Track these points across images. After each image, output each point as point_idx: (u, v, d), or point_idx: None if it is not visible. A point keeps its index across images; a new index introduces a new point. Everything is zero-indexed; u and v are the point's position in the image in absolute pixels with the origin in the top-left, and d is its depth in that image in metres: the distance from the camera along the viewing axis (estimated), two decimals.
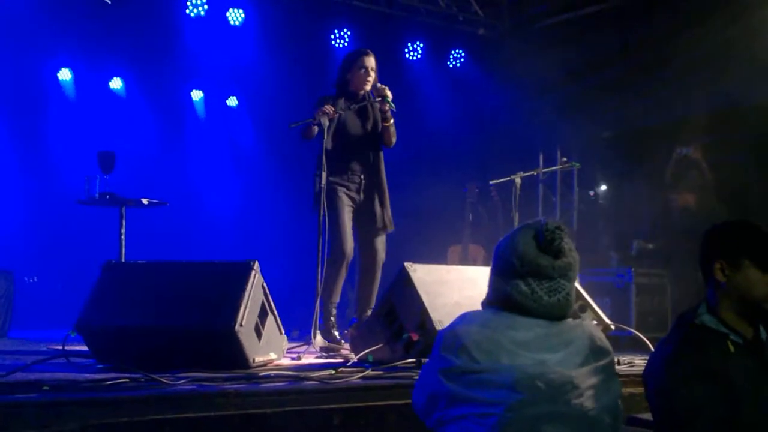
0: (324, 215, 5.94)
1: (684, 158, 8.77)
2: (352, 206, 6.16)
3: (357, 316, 6.24)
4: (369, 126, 6.23)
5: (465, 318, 2.53)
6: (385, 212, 6.22)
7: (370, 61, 6.21)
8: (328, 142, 6.02)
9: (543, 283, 2.46)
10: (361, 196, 6.21)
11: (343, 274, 6.11)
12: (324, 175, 5.96)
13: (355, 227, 6.26)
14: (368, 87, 6.16)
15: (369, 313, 5.95)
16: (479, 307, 2.62)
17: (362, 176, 6.21)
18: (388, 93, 6.08)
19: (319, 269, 5.93)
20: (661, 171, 8.93)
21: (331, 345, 5.78)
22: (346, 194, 6.14)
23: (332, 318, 6.09)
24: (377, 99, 6.15)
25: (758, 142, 7.32)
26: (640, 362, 4.99)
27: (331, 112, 5.92)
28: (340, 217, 6.05)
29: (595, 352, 2.47)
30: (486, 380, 2.37)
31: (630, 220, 9.43)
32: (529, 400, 2.33)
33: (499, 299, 2.52)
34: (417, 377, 2.66)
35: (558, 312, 2.48)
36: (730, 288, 2.88)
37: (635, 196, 9.44)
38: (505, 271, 2.50)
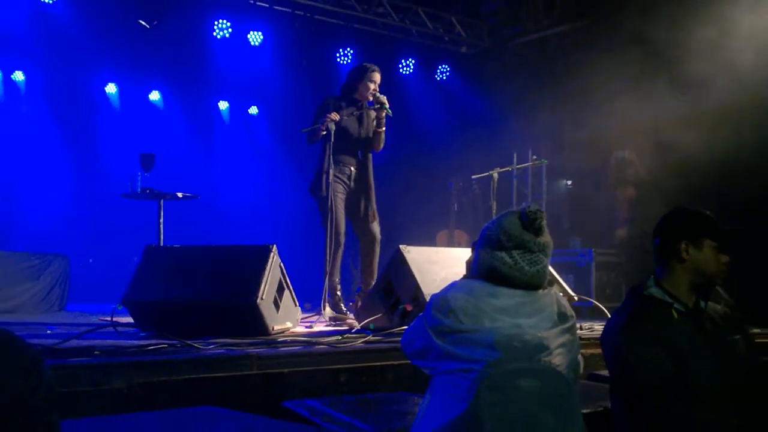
0: (331, 208, 5.96)
1: (622, 159, 8.80)
2: (344, 194, 6.13)
3: (362, 287, 6.23)
4: (364, 130, 6.21)
5: (454, 286, 2.55)
6: (369, 206, 6.17)
7: (378, 77, 6.17)
8: (330, 141, 5.97)
9: (525, 256, 2.48)
10: (352, 185, 6.18)
11: (340, 253, 6.07)
12: (332, 172, 5.96)
13: (348, 216, 6.24)
14: (370, 98, 6.16)
15: (372, 284, 5.95)
16: None
17: (353, 169, 6.19)
18: (386, 101, 6.08)
19: (329, 252, 5.94)
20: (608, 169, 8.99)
21: (338, 315, 5.79)
22: (339, 183, 6.11)
23: (338, 293, 6.06)
24: (376, 106, 6.14)
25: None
26: (598, 327, 5.01)
27: (337, 118, 5.92)
28: (336, 204, 6.01)
29: (562, 317, 2.48)
30: (469, 339, 2.38)
31: (589, 209, 9.45)
32: (506, 358, 2.35)
33: (483, 271, 2.53)
34: (408, 328, 2.69)
35: (536, 281, 2.49)
36: (690, 264, 2.88)
37: (593, 188, 9.47)
38: (492, 245, 2.51)
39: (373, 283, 5.86)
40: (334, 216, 5.95)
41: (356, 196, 6.21)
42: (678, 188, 7.47)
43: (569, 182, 10.29)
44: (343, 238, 6.09)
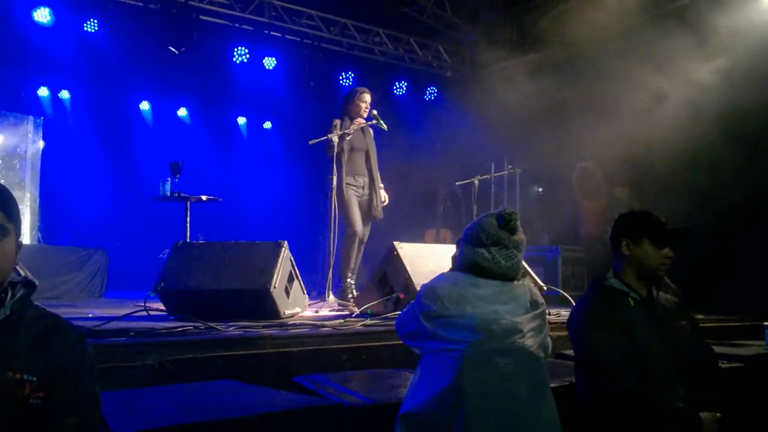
0: (335, 207, 5.96)
1: (584, 170, 8.81)
2: (358, 198, 6.13)
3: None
4: (367, 142, 6.21)
5: (441, 277, 2.56)
6: (377, 205, 6.18)
7: (367, 97, 6.17)
8: (345, 154, 6.00)
9: (502, 252, 2.48)
10: (364, 191, 6.17)
11: (356, 246, 5.98)
12: (334, 178, 5.96)
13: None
14: (365, 114, 6.14)
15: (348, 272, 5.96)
16: None
17: (364, 178, 6.19)
18: (379, 118, 6.10)
19: (331, 247, 5.93)
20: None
21: (341, 302, 5.78)
22: (354, 190, 6.10)
23: (348, 280, 5.98)
24: (372, 122, 6.15)
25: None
26: (565, 313, 5.00)
27: (338, 134, 5.92)
28: (353, 206, 6.00)
29: (533, 304, 2.49)
30: (454, 323, 2.39)
31: (556, 212, 9.47)
32: (485, 339, 2.35)
33: (466, 265, 2.54)
34: (401, 313, 2.69)
35: (511, 274, 2.50)
36: (633, 259, 2.90)
37: (560, 194, 9.48)
38: (473, 242, 2.52)
39: (350, 268, 5.90)
40: (349, 213, 5.95)
41: (367, 200, 6.17)
42: (632, 193, 7.54)
43: (540, 189, 10.30)
44: (360, 233, 6.01)
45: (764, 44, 6.64)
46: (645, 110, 7.35)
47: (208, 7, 8.97)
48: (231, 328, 3.85)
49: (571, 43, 8.76)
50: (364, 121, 6.11)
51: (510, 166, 8.82)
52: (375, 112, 6.14)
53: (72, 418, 1.83)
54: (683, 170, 6.88)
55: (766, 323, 4.37)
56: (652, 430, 2.66)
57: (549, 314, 4.72)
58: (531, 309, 2.47)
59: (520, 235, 2.54)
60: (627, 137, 7.38)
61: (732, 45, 6.80)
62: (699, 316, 4.75)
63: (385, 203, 6.34)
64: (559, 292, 5.93)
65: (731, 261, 6.60)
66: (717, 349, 3.37)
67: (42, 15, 8.04)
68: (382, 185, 6.32)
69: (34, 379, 1.79)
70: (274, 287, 4.51)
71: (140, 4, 8.52)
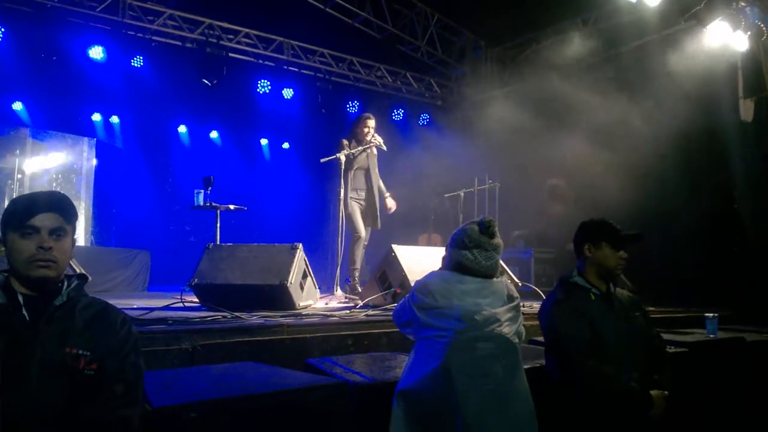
0: (342, 215, 5.96)
1: (553, 185, 8.81)
2: (361, 209, 6.12)
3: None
4: (368, 162, 6.21)
5: (432, 275, 2.56)
6: (374, 218, 6.17)
7: (371, 122, 6.17)
8: (350, 171, 6.02)
9: (482, 253, 2.48)
10: (364, 204, 6.18)
11: (361, 247, 6.00)
12: (342, 191, 5.96)
13: None
14: (369, 137, 6.15)
15: (353, 269, 5.97)
16: None
17: (364, 193, 6.18)
18: (380, 140, 6.10)
19: (339, 248, 5.92)
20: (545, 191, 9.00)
21: (348, 296, 5.77)
22: (357, 203, 6.11)
23: (356, 277, 5.98)
24: (374, 144, 6.15)
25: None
26: (537, 305, 4.96)
27: (346, 153, 5.93)
28: (357, 215, 6.02)
29: (510, 298, 2.49)
30: (443, 314, 2.39)
31: (530, 220, 9.47)
32: (469, 327, 2.35)
33: (452, 265, 2.54)
34: (398, 305, 2.68)
35: (491, 272, 2.50)
36: (594, 260, 2.90)
37: (533, 205, 9.47)
38: (459, 245, 2.52)
39: (356, 267, 5.93)
40: (354, 221, 5.97)
41: (366, 212, 6.17)
42: (593, 205, 7.56)
43: (515, 199, 10.29)
44: (363, 236, 6.02)
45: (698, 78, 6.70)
46: (604, 133, 7.37)
47: (237, 46, 9.02)
48: (254, 318, 3.84)
49: (542, 76, 8.80)
50: (370, 143, 6.10)
51: (490, 181, 8.82)
52: (380, 139, 6.12)
53: (119, 386, 1.86)
54: (637, 183, 6.89)
55: (706, 314, 4.36)
56: (609, 405, 2.65)
57: (523, 306, 4.72)
58: (508, 302, 2.47)
59: (498, 240, 2.54)
60: (589, 156, 7.41)
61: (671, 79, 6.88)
62: (650, 308, 4.75)
63: (392, 210, 6.34)
64: (532, 287, 5.92)
65: (677, 262, 6.61)
66: (665, 336, 3.36)
67: (96, 52, 8.09)
68: (388, 194, 6.32)
69: (88, 353, 1.84)
70: (291, 283, 4.51)
71: (179, 43, 8.55)
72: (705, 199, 6.76)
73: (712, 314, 4.34)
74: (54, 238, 1.86)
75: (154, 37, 8.39)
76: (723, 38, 6.26)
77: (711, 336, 4.25)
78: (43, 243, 1.83)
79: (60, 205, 1.90)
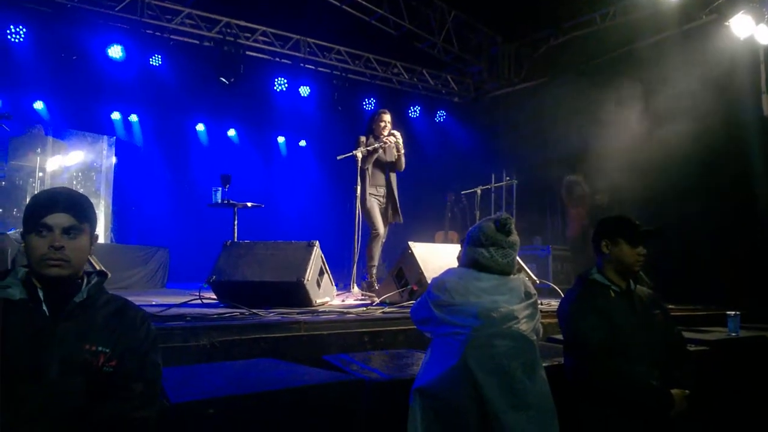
0: (359, 212, 5.94)
1: (571, 181, 8.73)
2: (379, 205, 6.11)
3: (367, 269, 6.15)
4: (387, 157, 6.18)
5: (448, 272, 2.54)
6: (396, 212, 6.16)
7: (387, 117, 6.15)
8: (369, 168, 6.00)
9: (499, 251, 2.46)
10: (383, 200, 6.16)
11: (379, 245, 5.98)
12: (359, 188, 5.94)
13: None
14: (386, 132, 6.12)
15: (372, 264, 5.94)
16: None
17: (384, 189, 6.17)
18: (399, 136, 6.07)
19: (356, 245, 5.91)
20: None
21: (364, 292, 5.76)
22: (376, 199, 6.09)
23: (373, 274, 5.96)
24: (389, 144, 6.11)
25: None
26: (555, 303, 4.94)
27: (363, 151, 5.92)
28: (375, 212, 6.00)
29: (527, 295, 2.47)
30: (460, 311, 2.37)
31: (548, 217, 9.40)
32: (486, 324, 2.33)
33: (469, 262, 2.52)
34: (415, 303, 2.67)
35: (507, 269, 2.48)
36: (611, 257, 2.87)
37: (551, 202, 9.40)
38: (475, 243, 2.50)
39: (373, 264, 5.90)
40: (373, 218, 5.95)
41: (386, 208, 6.15)
42: (612, 201, 7.49)
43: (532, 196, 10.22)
44: (382, 234, 5.99)
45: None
46: (621, 129, 7.30)
47: (254, 44, 9.03)
48: (271, 314, 3.85)
49: (560, 72, 8.73)
50: (388, 141, 6.07)
51: (507, 178, 8.79)
52: (399, 135, 6.09)
53: (138, 384, 1.86)
54: (656, 179, 6.80)
55: (728, 312, 4.29)
56: (629, 404, 2.62)
57: (541, 304, 4.68)
58: (525, 299, 2.45)
59: (515, 237, 2.52)
60: (607, 152, 7.33)
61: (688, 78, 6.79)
62: (671, 306, 4.70)
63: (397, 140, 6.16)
64: (550, 285, 5.87)
65: (698, 259, 6.52)
66: (686, 334, 3.31)
67: (115, 51, 8.15)
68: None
69: (108, 350, 1.84)
70: (307, 280, 4.51)
71: (196, 42, 8.59)
72: (726, 196, 6.65)
73: (734, 312, 4.27)
74: (67, 237, 1.85)
75: (172, 36, 8.44)
76: (745, 32, 6.15)
77: (733, 334, 4.18)
78: (55, 242, 1.83)
79: (74, 204, 1.89)
